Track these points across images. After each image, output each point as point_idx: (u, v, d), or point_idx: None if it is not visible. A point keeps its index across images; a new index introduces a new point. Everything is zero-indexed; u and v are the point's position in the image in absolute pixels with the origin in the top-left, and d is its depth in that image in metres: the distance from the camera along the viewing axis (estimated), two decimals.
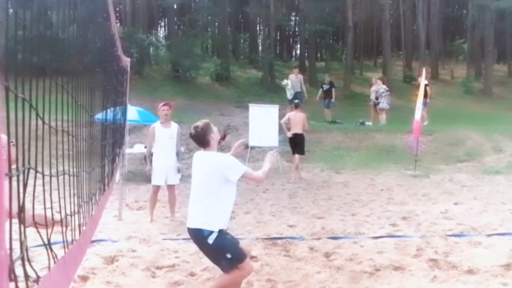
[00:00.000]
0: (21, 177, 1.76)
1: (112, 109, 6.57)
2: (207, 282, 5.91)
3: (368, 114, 24.17)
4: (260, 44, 45.28)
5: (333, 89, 24.03)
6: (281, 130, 17.62)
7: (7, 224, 1.38)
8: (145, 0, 40.80)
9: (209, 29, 46.79)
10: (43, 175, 2.11)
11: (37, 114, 1.98)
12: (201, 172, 5.21)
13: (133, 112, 14.81)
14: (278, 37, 54.00)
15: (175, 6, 40.43)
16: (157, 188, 9.63)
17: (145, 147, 11.80)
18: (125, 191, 11.15)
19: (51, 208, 2.57)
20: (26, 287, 1.79)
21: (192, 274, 6.22)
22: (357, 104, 24.54)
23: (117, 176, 9.02)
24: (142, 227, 8.94)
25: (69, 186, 2.89)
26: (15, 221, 1.85)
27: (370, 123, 23.37)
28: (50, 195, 2.28)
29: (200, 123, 5.30)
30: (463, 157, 19.28)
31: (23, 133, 1.73)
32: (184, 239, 7.89)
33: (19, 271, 1.57)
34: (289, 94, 23.37)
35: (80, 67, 3.26)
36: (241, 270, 5.00)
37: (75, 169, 3.14)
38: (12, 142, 2.52)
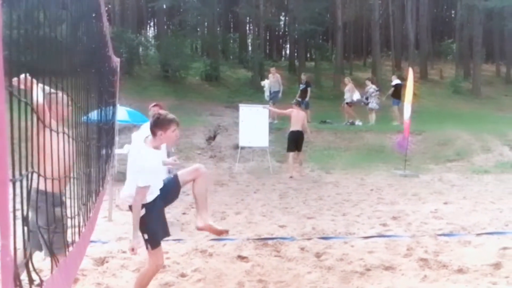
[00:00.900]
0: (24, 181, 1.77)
1: (105, 109, 6.57)
2: (198, 283, 5.91)
3: (347, 114, 24.11)
4: (249, 44, 45.19)
5: (308, 89, 23.95)
6: (271, 129, 17.71)
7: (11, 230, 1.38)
8: (134, 0, 40.67)
9: (198, 29, 46.66)
10: (45, 179, 2.12)
11: (38, 118, 1.99)
12: (130, 154, 5.19)
13: (122, 113, 14.74)
14: (268, 37, 53.93)
15: (164, 6, 40.35)
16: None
17: None
18: (115, 192, 11.11)
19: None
20: None
21: (183, 275, 6.22)
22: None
23: (108, 177, 9.00)
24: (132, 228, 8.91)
25: (70, 189, 2.90)
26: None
27: (360, 123, 23.39)
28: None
29: (167, 114, 5.08)
30: (453, 156, 19.37)
31: (26, 137, 1.74)
32: (174, 240, 7.89)
33: (23, 275, 1.58)
34: (266, 95, 23.55)
35: (75, 68, 3.25)
36: (151, 257, 5.12)
37: (75, 171, 3.15)
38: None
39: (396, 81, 24.41)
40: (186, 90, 30.44)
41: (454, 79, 37.90)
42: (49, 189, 2.81)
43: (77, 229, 3.03)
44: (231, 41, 49.87)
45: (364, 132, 21.64)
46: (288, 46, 52.43)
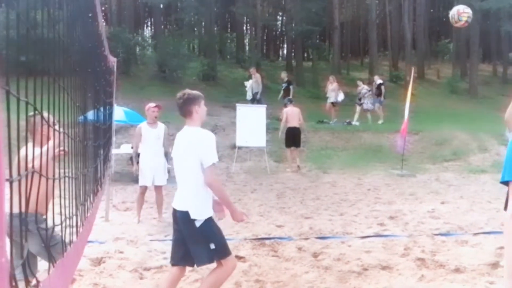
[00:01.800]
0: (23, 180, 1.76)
1: (102, 109, 6.56)
2: (195, 283, 5.90)
3: (328, 113, 24.06)
4: (247, 44, 45.30)
5: (291, 87, 23.96)
6: (268, 129, 17.78)
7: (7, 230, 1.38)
8: None
9: (195, 29, 46.72)
10: (47, 179, 2.11)
11: (42, 117, 1.98)
12: (179, 149, 4.87)
13: (119, 113, 14.75)
14: (265, 37, 54.04)
15: (161, 6, 40.32)
16: (144, 188, 9.60)
17: (132, 148, 11.78)
18: (112, 192, 11.12)
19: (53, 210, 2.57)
20: None
21: None
22: (344, 104, 24.56)
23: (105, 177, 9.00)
24: (129, 228, 8.91)
25: (69, 188, 2.89)
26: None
27: (358, 123, 23.40)
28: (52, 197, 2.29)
29: (191, 91, 5.05)
30: (450, 156, 19.40)
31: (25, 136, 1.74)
32: (171, 240, 7.89)
33: (19, 276, 1.58)
34: (248, 95, 23.58)
35: (71, 67, 3.25)
36: (224, 265, 4.69)
37: (73, 171, 3.15)
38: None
39: (379, 80, 24.47)
40: (183, 90, 30.41)
41: (451, 79, 37.99)
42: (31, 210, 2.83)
43: (74, 229, 3.02)
44: (228, 41, 49.90)
45: (361, 132, 21.66)
46: (285, 46, 52.53)
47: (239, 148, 17.73)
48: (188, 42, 44.77)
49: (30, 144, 3.70)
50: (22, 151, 3.52)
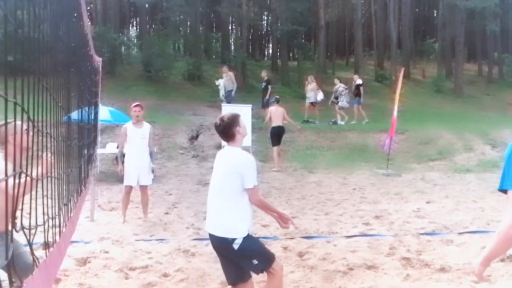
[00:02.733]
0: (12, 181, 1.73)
1: (87, 109, 6.52)
2: (181, 283, 5.88)
3: (307, 112, 24.09)
4: (232, 43, 45.18)
5: (269, 87, 23.98)
6: (254, 129, 17.81)
7: None
8: None
9: (181, 29, 46.57)
10: (32, 178, 2.08)
11: (28, 118, 1.95)
12: (220, 169, 4.86)
13: (105, 112, 14.70)
14: (251, 37, 53.99)
15: (146, 6, 40.21)
16: (129, 188, 9.56)
17: (117, 147, 11.74)
18: (97, 192, 11.06)
19: (34, 210, 2.53)
20: None
21: (165, 275, 6.19)
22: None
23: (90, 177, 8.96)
24: (114, 228, 8.88)
25: (50, 189, 2.86)
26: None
27: (343, 123, 23.45)
28: (32, 198, 2.25)
29: (227, 113, 5.04)
30: (435, 155, 19.47)
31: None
32: (157, 239, 7.87)
33: (3, 276, 1.55)
34: (221, 94, 23.62)
35: (54, 66, 3.21)
36: (273, 273, 4.69)
37: (55, 171, 3.11)
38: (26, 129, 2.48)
39: (358, 80, 24.54)
40: (168, 90, 30.35)
41: (436, 79, 38.14)
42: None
43: (57, 229, 2.99)
44: (214, 40, 49.79)
45: (347, 132, 21.71)
46: (271, 45, 52.56)
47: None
48: (173, 41, 44.64)
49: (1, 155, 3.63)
50: None
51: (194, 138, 20.23)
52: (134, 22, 55.54)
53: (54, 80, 2.92)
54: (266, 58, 52.41)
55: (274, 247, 7.42)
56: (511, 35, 43.17)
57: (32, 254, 2.27)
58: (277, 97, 19.22)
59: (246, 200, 4.74)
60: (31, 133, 2.37)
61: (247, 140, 17.35)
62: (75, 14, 4.92)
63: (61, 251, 3.17)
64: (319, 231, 8.66)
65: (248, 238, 4.67)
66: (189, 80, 33.52)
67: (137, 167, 9.40)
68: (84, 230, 8.42)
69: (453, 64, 38.96)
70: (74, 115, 4.84)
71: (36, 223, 2.42)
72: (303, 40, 47.79)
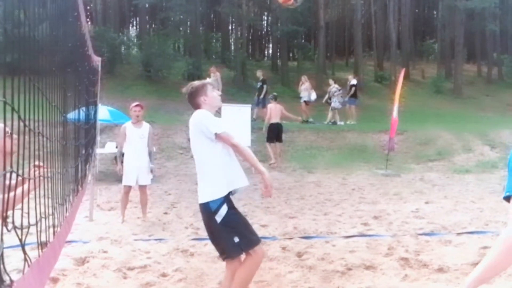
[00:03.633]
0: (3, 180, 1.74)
1: (84, 109, 6.52)
2: (179, 283, 5.87)
3: (301, 112, 24.08)
4: (232, 43, 45.20)
5: (264, 86, 23.81)
6: (253, 129, 17.85)
7: None
8: None
9: (181, 28, 46.58)
10: (23, 178, 2.08)
11: (19, 117, 1.95)
12: (190, 138, 4.81)
13: (104, 112, 14.71)
14: (250, 37, 54.02)
15: (146, 5, 40.23)
16: (128, 188, 9.55)
17: (116, 147, 11.74)
18: (96, 192, 11.06)
19: (28, 209, 2.53)
20: None
21: (164, 275, 6.18)
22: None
23: (89, 177, 8.96)
24: (113, 228, 8.87)
25: (45, 188, 2.86)
26: None
27: (342, 123, 23.46)
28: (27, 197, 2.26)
29: (196, 82, 4.96)
30: (434, 156, 19.48)
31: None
32: (156, 239, 7.87)
33: None
34: None
35: (51, 66, 3.22)
36: (253, 255, 4.50)
37: (50, 171, 3.11)
38: (8, 132, 2.45)
39: (353, 81, 24.53)
40: (168, 90, 30.35)
41: (436, 79, 38.18)
42: None
43: (51, 229, 2.99)
44: (214, 40, 49.88)
45: (346, 132, 21.71)
46: (270, 45, 52.55)
47: None
48: (173, 41, 44.67)
49: None
50: None
51: None
52: (134, 22, 55.57)
53: (49, 79, 2.92)
54: (266, 58, 52.42)
55: (272, 247, 7.42)
56: (511, 36, 43.20)
57: (24, 253, 2.27)
58: (275, 94, 19.42)
59: (222, 159, 4.61)
60: (15, 136, 2.35)
61: (247, 140, 17.37)
62: (73, 14, 4.93)
63: (55, 251, 3.17)
64: (318, 231, 8.65)
65: (232, 213, 4.56)
66: (189, 80, 33.12)
67: (136, 167, 9.40)
68: (82, 230, 8.43)
69: (453, 65, 38.99)
70: (71, 114, 4.83)
71: (29, 222, 2.43)
72: (303, 41, 47.90)
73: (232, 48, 43.50)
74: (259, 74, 24.89)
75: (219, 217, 4.47)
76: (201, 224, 5.41)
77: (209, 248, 7.33)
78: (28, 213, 2.34)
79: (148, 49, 33.79)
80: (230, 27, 48.67)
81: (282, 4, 8.07)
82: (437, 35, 47.75)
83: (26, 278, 2.12)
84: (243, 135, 17.26)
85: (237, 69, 34.29)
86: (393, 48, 38.61)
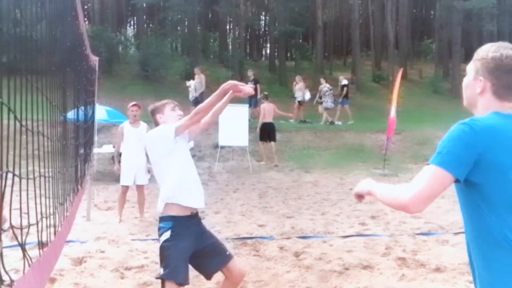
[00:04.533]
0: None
1: (83, 108, 6.52)
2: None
3: (293, 112, 24.02)
4: (230, 43, 45.14)
5: (257, 86, 23.58)
6: (251, 129, 17.87)
7: None
8: None
9: (178, 28, 46.54)
10: (20, 178, 2.08)
11: (15, 117, 1.96)
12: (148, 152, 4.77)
13: (101, 112, 14.71)
14: (248, 37, 53.91)
15: (144, 5, 40.20)
16: (126, 188, 9.56)
17: (114, 147, 11.73)
18: (94, 191, 11.06)
19: (27, 210, 2.54)
20: None
21: None
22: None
23: (87, 176, 8.96)
24: (110, 228, 8.88)
25: (45, 188, 2.86)
26: None
27: (340, 123, 23.47)
28: (25, 197, 2.25)
29: (158, 102, 4.97)
30: (431, 156, 19.46)
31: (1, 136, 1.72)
32: (153, 239, 7.86)
33: None
34: (191, 96, 22.61)
35: (50, 66, 3.22)
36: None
37: (50, 170, 3.11)
38: None
39: (344, 81, 24.50)
40: (165, 89, 30.26)
41: (434, 79, 38.19)
42: None
43: (52, 229, 3.00)
44: (211, 40, 49.80)
45: (344, 132, 21.74)
46: (268, 45, 52.49)
47: (222, 147, 17.73)
48: (171, 41, 44.65)
49: None
50: None
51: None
52: (132, 21, 55.51)
53: (47, 79, 2.92)
54: (263, 58, 52.36)
55: (270, 247, 7.45)
56: (508, 36, 43.22)
57: (24, 253, 2.27)
58: (266, 93, 19.67)
59: (176, 175, 4.43)
60: None
61: (244, 140, 17.43)
62: (71, 13, 4.93)
63: (56, 250, 3.18)
64: (315, 231, 8.67)
65: (171, 244, 4.28)
66: (187, 79, 33.44)
67: (134, 167, 9.41)
68: (80, 230, 8.43)
69: (450, 65, 38.97)
70: (69, 114, 4.84)
71: (29, 222, 2.43)
72: (300, 40, 47.89)
73: (230, 48, 43.46)
74: (250, 74, 24.70)
75: (163, 237, 4.31)
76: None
77: None
78: (28, 213, 2.34)
79: (145, 48, 33.81)
80: (228, 27, 48.62)
81: None
82: (434, 35, 47.72)
83: (26, 278, 2.12)
84: (240, 135, 17.32)
85: (234, 69, 34.27)
86: (391, 48, 38.61)
